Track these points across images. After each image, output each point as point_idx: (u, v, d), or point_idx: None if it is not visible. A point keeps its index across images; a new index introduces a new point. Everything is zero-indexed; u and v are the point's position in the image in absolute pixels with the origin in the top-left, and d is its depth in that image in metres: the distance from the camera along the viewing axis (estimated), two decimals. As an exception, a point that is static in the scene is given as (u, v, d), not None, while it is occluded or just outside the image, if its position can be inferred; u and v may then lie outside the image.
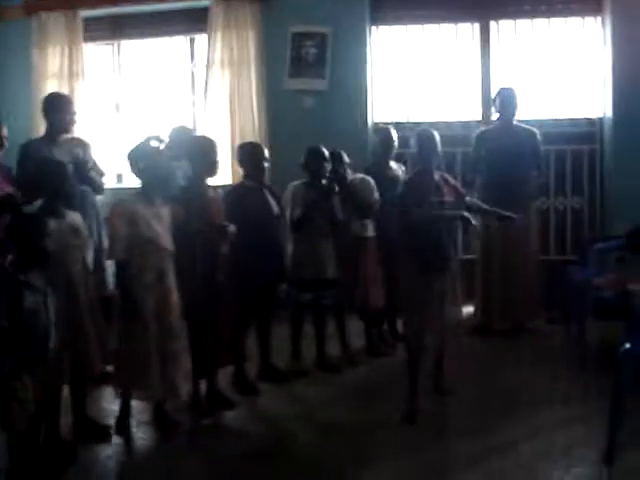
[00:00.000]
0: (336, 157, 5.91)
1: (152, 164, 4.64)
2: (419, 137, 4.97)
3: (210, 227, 4.88)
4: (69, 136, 5.84)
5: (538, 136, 6.61)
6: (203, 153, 5.01)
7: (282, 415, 5.02)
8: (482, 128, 6.95)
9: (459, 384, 5.23)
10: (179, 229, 4.73)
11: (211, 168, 5.02)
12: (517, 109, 6.60)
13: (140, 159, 4.68)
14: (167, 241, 4.64)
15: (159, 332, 4.55)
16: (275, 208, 5.51)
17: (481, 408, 4.90)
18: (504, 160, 6.42)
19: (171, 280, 4.65)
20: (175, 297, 4.66)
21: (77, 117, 5.96)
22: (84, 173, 5.56)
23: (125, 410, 4.73)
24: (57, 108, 5.77)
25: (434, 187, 4.86)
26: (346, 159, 6.04)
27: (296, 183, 5.74)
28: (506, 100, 6.59)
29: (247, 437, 4.67)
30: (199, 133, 7.39)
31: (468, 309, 6.91)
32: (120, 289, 4.53)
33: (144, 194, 4.66)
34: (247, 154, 5.56)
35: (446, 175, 5.07)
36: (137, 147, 4.75)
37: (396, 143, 6.36)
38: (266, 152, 5.58)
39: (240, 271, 5.07)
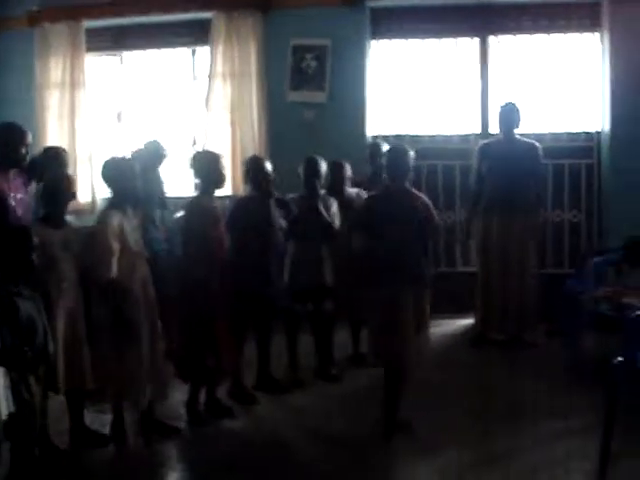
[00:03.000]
0: (336, 168, 6.02)
1: (122, 174, 4.68)
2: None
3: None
4: None
5: (539, 150, 6.62)
6: (210, 167, 5.09)
7: (280, 424, 5.05)
8: (484, 141, 6.97)
9: (458, 393, 5.31)
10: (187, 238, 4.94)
11: (218, 181, 5.14)
12: (518, 124, 6.62)
13: (111, 170, 4.73)
14: (144, 249, 4.75)
15: (148, 338, 4.63)
16: (277, 219, 5.62)
17: (479, 418, 4.92)
18: (505, 173, 6.44)
19: (151, 286, 4.73)
20: (155, 301, 4.74)
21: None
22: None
23: (119, 419, 4.74)
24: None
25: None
26: (348, 171, 6.11)
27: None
28: (507, 114, 6.62)
29: (245, 445, 4.70)
30: (204, 146, 7.48)
31: (468, 321, 6.98)
32: (112, 308, 4.49)
33: (117, 205, 4.67)
34: (252, 168, 5.63)
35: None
36: (109, 160, 4.84)
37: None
38: (269, 165, 5.65)
39: (234, 278, 5.16)
